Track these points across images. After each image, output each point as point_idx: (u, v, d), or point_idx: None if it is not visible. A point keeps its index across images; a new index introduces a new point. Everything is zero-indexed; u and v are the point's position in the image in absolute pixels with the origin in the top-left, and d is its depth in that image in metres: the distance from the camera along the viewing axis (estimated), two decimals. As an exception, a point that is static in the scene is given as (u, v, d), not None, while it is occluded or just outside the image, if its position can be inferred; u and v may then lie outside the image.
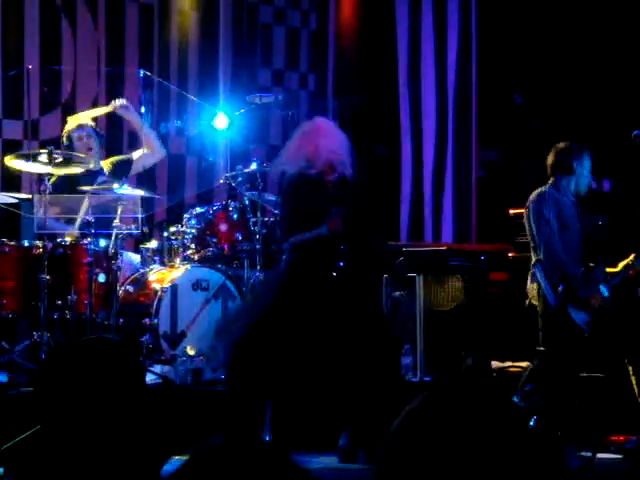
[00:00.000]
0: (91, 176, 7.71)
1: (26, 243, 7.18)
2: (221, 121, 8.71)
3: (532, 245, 6.96)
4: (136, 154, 8.11)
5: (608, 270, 6.96)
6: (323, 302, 5.98)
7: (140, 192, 7.36)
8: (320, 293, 6.01)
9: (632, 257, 6.88)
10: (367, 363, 5.91)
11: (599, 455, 6.21)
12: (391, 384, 6.21)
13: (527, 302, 7.02)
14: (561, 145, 7.10)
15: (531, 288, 6.97)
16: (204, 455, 1.31)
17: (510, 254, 8.52)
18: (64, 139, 7.92)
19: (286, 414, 5.96)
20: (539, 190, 7.00)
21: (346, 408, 6.03)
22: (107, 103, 9.16)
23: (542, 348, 6.82)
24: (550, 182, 7.02)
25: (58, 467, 2.15)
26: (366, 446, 5.95)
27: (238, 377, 6.02)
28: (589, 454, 6.07)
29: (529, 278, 6.99)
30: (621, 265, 6.94)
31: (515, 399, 6.58)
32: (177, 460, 1.87)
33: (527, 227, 7.01)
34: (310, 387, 5.89)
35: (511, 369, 8.04)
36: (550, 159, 7.06)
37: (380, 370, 6.00)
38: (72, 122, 8.03)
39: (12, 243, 7.15)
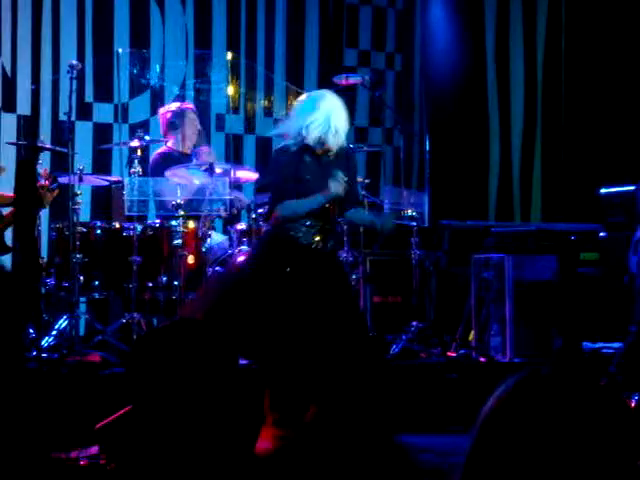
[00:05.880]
0: (187, 157, 7.78)
1: (117, 225, 7.27)
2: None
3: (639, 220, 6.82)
4: None
5: None
6: (300, 280, 5.97)
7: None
8: (297, 273, 5.99)
9: None
10: (336, 342, 5.88)
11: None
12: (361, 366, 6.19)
13: (627, 276, 6.91)
14: None
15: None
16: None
17: (601, 234, 8.39)
18: (171, 115, 7.94)
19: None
20: None
21: (314, 386, 6.00)
22: (194, 85, 9.24)
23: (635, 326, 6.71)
24: None
25: (151, 447, 2.18)
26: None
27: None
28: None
29: (631, 250, 6.87)
30: None
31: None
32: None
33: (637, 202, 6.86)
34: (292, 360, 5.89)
35: (603, 350, 7.94)
36: None
37: (349, 351, 5.95)
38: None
39: (103, 225, 7.26)
